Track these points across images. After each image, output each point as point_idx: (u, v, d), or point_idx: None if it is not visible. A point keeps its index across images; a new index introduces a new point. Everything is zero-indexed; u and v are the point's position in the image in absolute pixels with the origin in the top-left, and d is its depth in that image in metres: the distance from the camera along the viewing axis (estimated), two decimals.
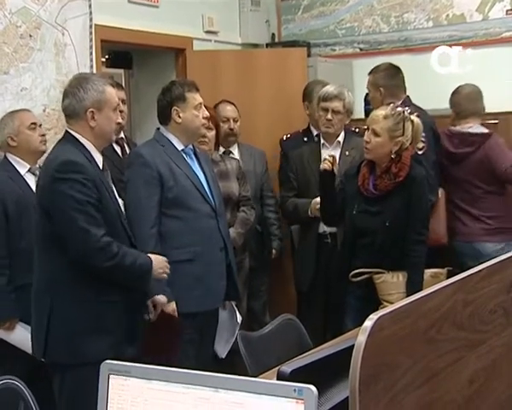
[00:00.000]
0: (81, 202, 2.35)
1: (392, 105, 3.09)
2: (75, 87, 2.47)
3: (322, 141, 3.68)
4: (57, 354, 2.42)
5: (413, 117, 3.07)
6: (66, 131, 2.51)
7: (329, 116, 3.56)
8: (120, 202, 2.62)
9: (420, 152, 3.29)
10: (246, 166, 3.89)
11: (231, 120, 3.89)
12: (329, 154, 3.22)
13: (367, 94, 4.03)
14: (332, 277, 3.52)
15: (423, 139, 3.41)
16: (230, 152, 3.94)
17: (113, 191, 2.53)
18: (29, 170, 3.10)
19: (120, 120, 2.63)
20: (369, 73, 3.84)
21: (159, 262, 2.57)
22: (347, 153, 3.61)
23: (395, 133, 2.98)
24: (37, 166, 3.15)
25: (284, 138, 4.04)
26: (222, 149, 3.89)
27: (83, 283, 2.39)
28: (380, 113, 3.04)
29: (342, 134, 3.66)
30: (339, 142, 3.65)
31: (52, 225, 2.39)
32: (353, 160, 3.55)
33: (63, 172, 2.37)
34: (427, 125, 3.49)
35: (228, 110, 3.91)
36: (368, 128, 3.05)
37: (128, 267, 2.45)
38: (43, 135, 3.18)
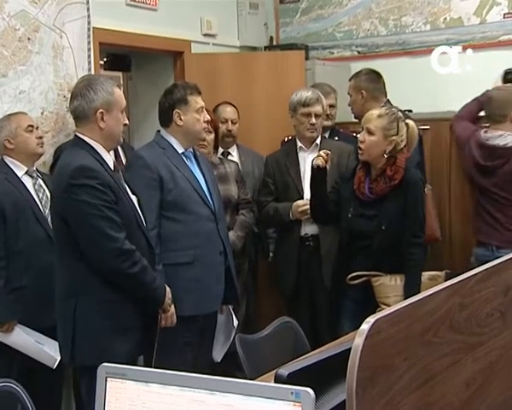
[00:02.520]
0: (98, 207, 2.35)
1: (385, 106, 3.11)
2: (84, 88, 2.46)
3: (299, 144, 3.66)
4: (85, 357, 2.41)
5: (408, 121, 3.08)
6: (76, 136, 2.51)
7: (314, 120, 3.56)
8: (134, 198, 2.61)
9: None
10: (245, 167, 3.90)
11: (229, 122, 3.92)
12: (324, 151, 3.21)
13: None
14: (316, 279, 3.52)
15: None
16: (229, 153, 3.96)
17: (126, 191, 2.53)
18: (26, 172, 3.10)
19: (127, 122, 2.63)
20: (351, 79, 3.88)
21: (168, 293, 2.62)
22: None
23: (389, 132, 2.99)
24: (35, 168, 3.15)
25: (285, 140, 4.05)
26: (221, 150, 3.91)
27: (104, 285, 2.40)
28: (374, 112, 3.06)
29: (319, 137, 3.67)
30: (316, 144, 3.64)
31: (69, 231, 2.39)
32: (331, 162, 3.56)
33: (77, 178, 2.35)
34: None
35: (227, 111, 3.94)
36: (362, 128, 3.06)
37: (146, 284, 2.48)
38: (41, 137, 3.17)
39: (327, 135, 4.03)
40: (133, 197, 2.58)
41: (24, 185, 3.06)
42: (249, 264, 3.86)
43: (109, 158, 2.51)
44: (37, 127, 3.20)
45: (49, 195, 3.01)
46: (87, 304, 2.40)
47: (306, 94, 3.60)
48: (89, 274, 2.39)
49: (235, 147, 4.00)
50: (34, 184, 3.10)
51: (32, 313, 2.93)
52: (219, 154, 3.87)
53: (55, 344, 2.74)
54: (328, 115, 3.97)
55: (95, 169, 2.39)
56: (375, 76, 3.84)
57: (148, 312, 2.54)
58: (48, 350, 2.91)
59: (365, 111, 3.36)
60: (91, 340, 2.40)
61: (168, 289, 2.63)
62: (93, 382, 2.42)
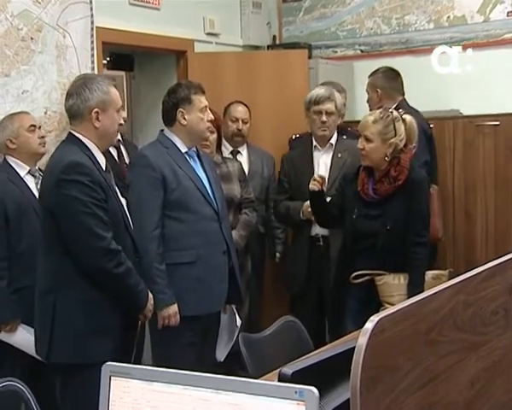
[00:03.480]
0: (87, 205, 2.35)
1: (380, 109, 3.09)
2: (80, 87, 2.46)
3: (314, 143, 3.66)
4: (62, 354, 2.41)
5: (405, 116, 3.07)
6: (70, 133, 2.51)
7: (324, 118, 3.55)
8: (123, 200, 2.61)
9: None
10: (254, 167, 3.92)
11: (240, 121, 3.93)
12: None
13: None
14: (324, 279, 3.53)
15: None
16: (238, 152, 3.98)
17: (116, 192, 2.53)
18: (29, 172, 3.09)
19: (122, 122, 2.62)
20: (369, 76, 3.89)
21: (151, 299, 2.59)
22: (339, 155, 3.60)
23: (387, 136, 2.99)
24: (37, 167, 3.15)
25: (293, 138, 4.04)
26: (230, 149, 3.93)
27: (86, 283, 2.39)
28: (369, 118, 3.04)
29: (335, 136, 3.66)
30: (331, 144, 3.64)
31: (57, 227, 2.38)
32: (345, 162, 3.55)
33: (69, 173, 2.35)
34: (419, 127, 3.53)
35: (238, 111, 3.96)
36: (360, 135, 3.07)
37: (128, 286, 2.46)
38: (43, 137, 3.17)
39: None
40: (122, 200, 2.58)
41: (26, 185, 3.05)
42: (254, 263, 3.87)
43: (101, 157, 2.50)
44: (40, 127, 3.20)
45: None
46: (67, 301, 2.38)
47: (318, 92, 3.60)
48: (72, 271, 2.38)
49: (245, 146, 4.01)
50: (37, 184, 3.09)
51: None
52: (229, 152, 3.90)
53: None
54: None
55: (86, 166, 2.38)
56: (393, 74, 3.84)
57: (130, 314, 2.51)
58: None
59: None
60: (69, 338, 2.38)
61: (151, 295, 2.59)
62: (67, 379, 2.45)
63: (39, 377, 2.88)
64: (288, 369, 1.27)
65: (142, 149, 3.19)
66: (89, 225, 2.35)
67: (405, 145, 3.05)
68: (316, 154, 3.65)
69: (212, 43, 4.61)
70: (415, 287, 2.88)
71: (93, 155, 2.45)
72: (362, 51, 4.78)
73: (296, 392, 1.03)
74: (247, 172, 3.92)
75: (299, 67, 4.43)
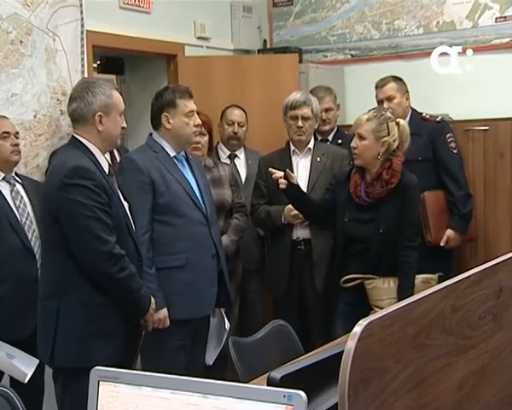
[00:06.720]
0: (91, 209, 2.36)
1: (374, 109, 3.11)
2: (83, 91, 2.48)
3: (292, 148, 3.63)
4: (65, 358, 2.41)
5: (399, 119, 3.10)
6: (73, 136, 2.52)
7: (300, 123, 3.53)
8: (125, 204, 2.61)
9: (455, 151, 3.69)
10: (251, 170, 3.93)
11: (236, 124, 3.95)
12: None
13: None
14: (307, 282, 3.51)
15: (454, 139, 3.74)
16: (236, 156, 3.99)
17: (119, 196, 2.54)
18: (3, 178, 2.97)
19: (125, 125, 2.62)
20: (385, 84, 3.82)
21: (153, 304, 2.61)
22: (318, 159, 3.58)
23: (380, 134, 3.00)
24: (14, 173, 3.04)
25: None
26: (228, 152, 3.94)
27: (89, 286, 2.40)
28: (363, 116, 3.06)
29: (312, 141, 3.65)
30: (309, 148, 3.62)
31: (60, 230, 2.39)
32: (324, 166, 3.55)
33: (72, 178, 2.36)
34: (451, 129, 3.88)
35: (235, 114, 3.97)
36: (354, 134, 3.08)
37: (132, 290, 2.47)
38: (17, 145, 3.03)
39: (330, 137, 4.04)
40: (125, 203, 2.59)
41: (0, 193, 2.93)
42: (257, 267, 3.86)
43: (104, 162, 2.52)
44: (17, 133, 3.07)
45: (27, 201, 2.97)
46: (71, 304, 2.39)
47: (294, 97, 3.60)
48: (75, 275, 2.39)
49: (242, 149, 4.03)
50: (11, 191, 2.97)
51: (7, 324, 2.81)
52: (226, 156, 3.90)
53: (28, 358, 2.70)
54: (324, 120, 3.96)
55: (90, 170, 2.40)
56: None
57: (132, 318, 2.52)
58: (18, 365, 2.75)
59: (407, 114, 3.72)
60: (72, 341, 2.39)
61: (153, 299, 2.61)
62: (68, 383, 2.45)
63: (28, 382, 2.85)
64: (277, 373, 1.27)
65: (130, 153, 3.19)
66: (93, 229, 2.36)
67: (397, 148, 3.06)
68: (294, 158, 3.62)
69: (202, 47, 4.61)
70: (404, 291, 2.89)
71: (96, 159, 2.47)
72: (352, 56, 4.79)
73: (285, 396, 1.03)
74: (245, 176, 3.94)
75: (290, 71, 4.44)
